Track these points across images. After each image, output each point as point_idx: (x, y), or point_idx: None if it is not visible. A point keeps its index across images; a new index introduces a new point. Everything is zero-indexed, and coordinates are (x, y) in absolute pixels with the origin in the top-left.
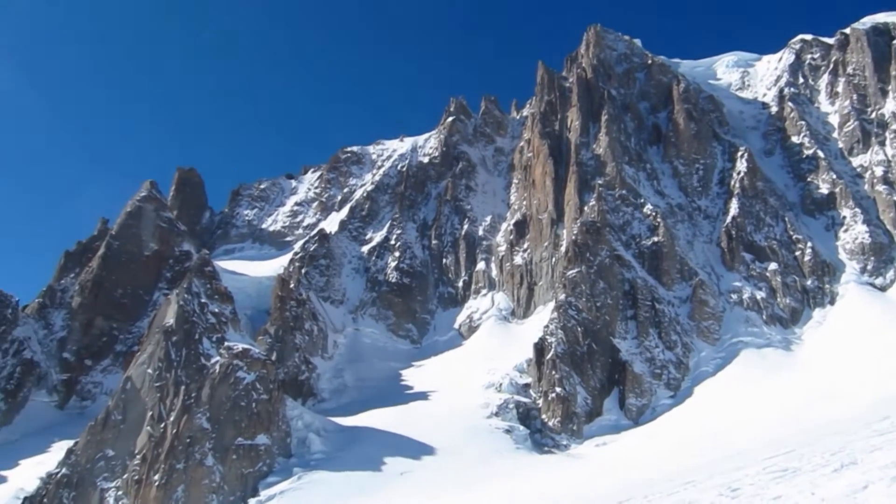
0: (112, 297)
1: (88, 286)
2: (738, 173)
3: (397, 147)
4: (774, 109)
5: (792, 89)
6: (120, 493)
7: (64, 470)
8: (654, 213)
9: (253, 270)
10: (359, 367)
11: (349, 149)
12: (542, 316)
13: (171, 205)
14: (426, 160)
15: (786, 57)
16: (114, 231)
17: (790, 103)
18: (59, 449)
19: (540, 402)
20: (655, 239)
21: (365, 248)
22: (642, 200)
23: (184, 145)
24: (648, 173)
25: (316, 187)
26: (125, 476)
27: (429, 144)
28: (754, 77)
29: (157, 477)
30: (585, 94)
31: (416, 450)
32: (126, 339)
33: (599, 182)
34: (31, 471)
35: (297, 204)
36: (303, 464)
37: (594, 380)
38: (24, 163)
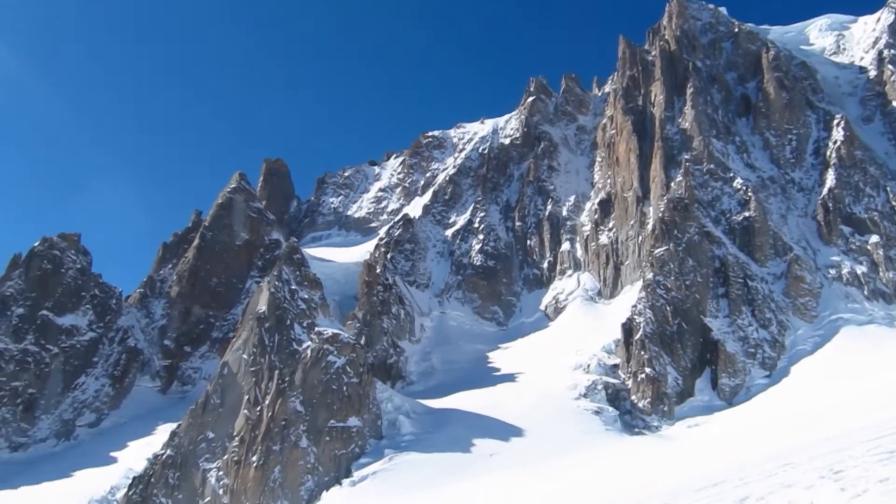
0: (207, 286)
1: (185, 276)
2: (835, 142)
3: (478, 130)
4: (873, 73)
5: (892, 51)
6: (221, 473)
7: (169, 451)
8: (744, 188)
9: (340, 257)
10: (446, 349)
11: (430, 133)
12: (630, 296)
13: (260, 195)
14: (507, 142)
15: (884, 17)
16: (207, 222)
17: (890, 66)
18: (163, 431)
19: (629, 382)
20: (746, 214)
21: (449, 232)
22: (732, 174)
23: (270, 136)
24: (738, 146)
25: (399, 173)
26: (225, 457)
27: (510, 126)
28: (850, 40)
29: (254, 458)
30: (669, 67)
31: (504, 431)
32: (222, 326)
33: (686, 157)
34: (139, 452)
35: (380, 190)
36: (393, 445)
37: (685, 360)
38: (123, 163)
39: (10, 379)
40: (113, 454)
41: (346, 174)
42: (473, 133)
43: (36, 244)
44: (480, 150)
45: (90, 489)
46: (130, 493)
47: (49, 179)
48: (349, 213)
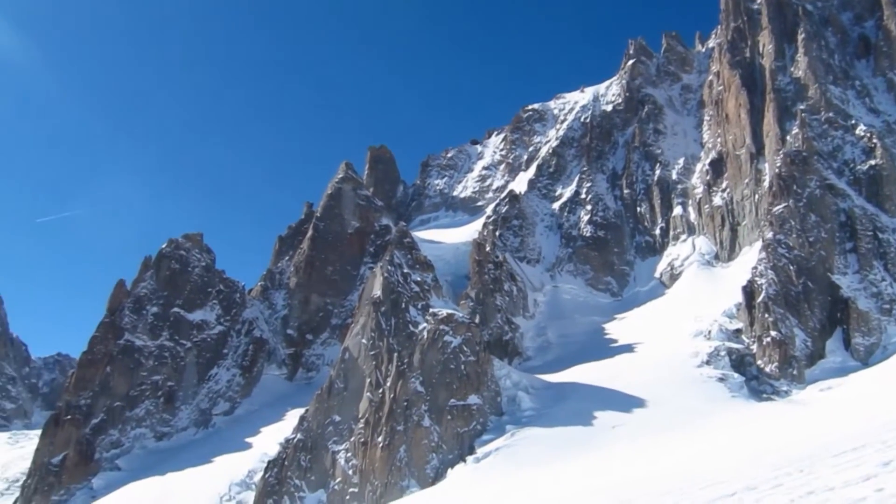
0: (323, 274)
1: (302, 267)
2: None
3: (578, 99)
4: None
5: None
6: (349, 454)
7: (299, 435)
8: (868, 134)
9: (449, 238)
10: (561, 323)
11: (530, 107)
12: (749, 257)
13: (367, 183)
14: (609, 108)
15: None
16: (318, 213)
17: None
18: (292, 417)
19: (754, 347)
20: (872, 162)
21: (556, 205)
22: (853, 122)
23: (373, 125)
24: (858, 91)
25: (501, 150)
26: (352, 439)
27: (611, 92)
28: None
29: (380, 439)
30: (777, 13)
31: (625, 403)
32: (340, 313)
33: (801, 107)
34: (271, 437)
35: (484, 168)
36: (514, 421)
37: (813, 320)
38: (242, 162)
39: (151, 373)
40: (248, 440)
41: (449, 155)
42: (574, 103)
43: (163, 246)
44: (582, 120)
45: (230, 473)
46: (267, 475)
47: (171, 180)
48: (455, 193)
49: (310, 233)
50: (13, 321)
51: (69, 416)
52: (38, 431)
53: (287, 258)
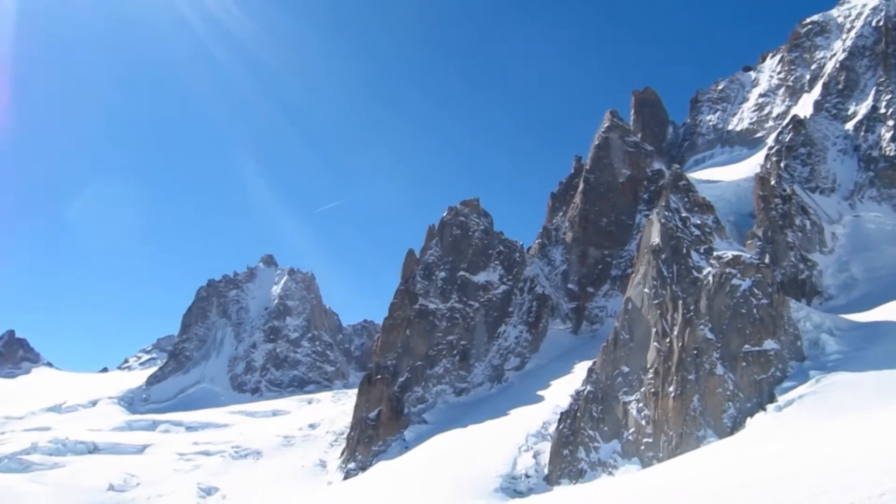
0: (598, 226)
1: (576, 221)
2: None
3: (867, 1)
4: None
5: None
6: (640, 405)
7: (588, 387)
8: None
9: (727, 175)
10: (866, 256)
11: (808, 20)
12: None
13: (634, 128)
14: None
15: None
16: (588, 166)
17: None
18: (580, 369)
19: None
20: None
21: (849, 125)
22: None
23: (635, 69)
24: None
25: (778, 73)
26: (642, 389)
27: None
28: None
29: (671, 389)
30: None
31: None
32: (619, 264)
33: None
34: (561, 390)
35: (761, 96)
36: (818, 366)
37: None
38: (513, 128)
39: (445, 334)
40: (539, 393)
41: (720, 87)
42: (862, 6)
43: (444, 214)
44: (874, 24)
45: (525, 424)
46: (561, 427)
47: (443, 148)
48: (730, 127)
49: (581, 186)
50: (324, 295)
51: (379, 376)
52: (355, 390)
53: (561, 214)
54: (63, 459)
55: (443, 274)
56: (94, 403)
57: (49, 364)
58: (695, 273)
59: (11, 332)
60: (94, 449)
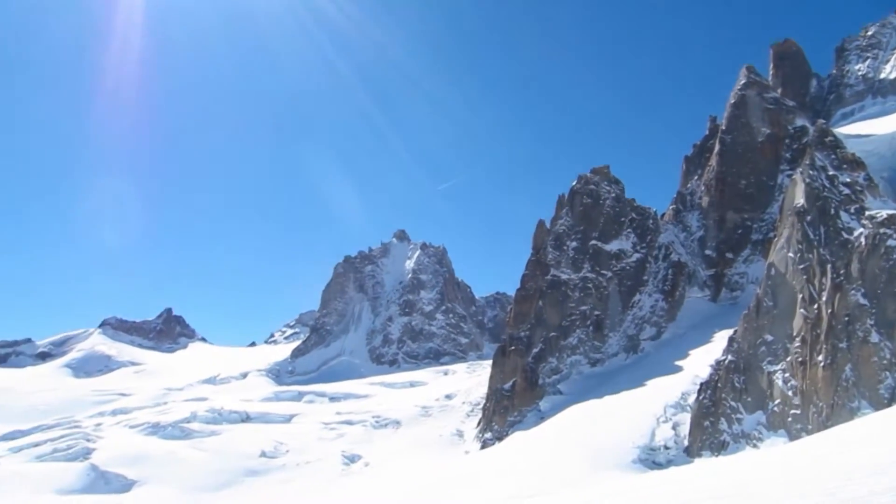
0: (737, 189)
1: (713, 184)
2: None
3: None
4: None
5: None
6: (787, 374)
7: (730, 357)
8: None
9: (880, 128)
10: None
11: None
12: None
13: (773, 84)
14: None
15: None
16: (723, 126)
17: None
18: (719, 338)
19: None
20: None
21: None
22: None
23: (773, 19)
24: None
25: None
26: (788, 358)
27: None
28: None
29: (820, 357)
30: None
31: None
32: (760, 228)
33: None
34: (701, 359)
35: None
36: None
37: None
38: (632, 93)
39: (578, 304)
40: (677, 363)
41: (870, 33)
42: None
43: (574, 183)
44: None
45: (663, 395)
46: (701, 397)
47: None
48: (882, 76)
49: (717, 148)
50: (457, 268)
51: (513, 347)
52: (489, 361)
53: (696, 178)
54: (219, 427)
55: (574, 244)
56: (244, 375)
57: (203, 339)
58: (844, 235)
59: (169, 311)
60: (246, 418)
